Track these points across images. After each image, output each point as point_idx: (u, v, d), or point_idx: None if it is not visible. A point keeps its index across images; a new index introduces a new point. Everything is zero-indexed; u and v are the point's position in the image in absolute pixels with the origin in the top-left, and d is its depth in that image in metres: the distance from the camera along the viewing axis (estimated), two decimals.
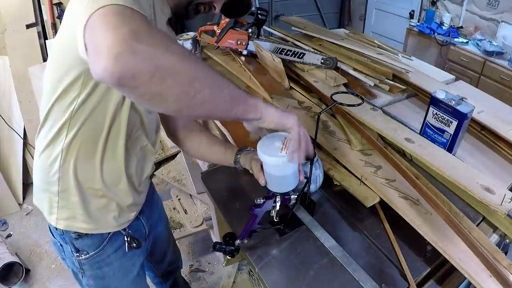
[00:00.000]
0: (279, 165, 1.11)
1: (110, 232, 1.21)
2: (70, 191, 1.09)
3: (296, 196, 1.27)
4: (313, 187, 1.47)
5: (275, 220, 1.28)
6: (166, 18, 1.05)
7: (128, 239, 1.25)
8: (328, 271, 1.21)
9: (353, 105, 1.23)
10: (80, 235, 1.17)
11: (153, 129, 1.22)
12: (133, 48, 0.59)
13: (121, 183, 1.15)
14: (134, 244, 1.26)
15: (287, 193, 1.23)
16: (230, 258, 1.26)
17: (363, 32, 5.25)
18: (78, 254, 1.19)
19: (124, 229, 1.25)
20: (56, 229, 1.17)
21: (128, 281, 1.36)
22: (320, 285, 1.17)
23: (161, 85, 0.64)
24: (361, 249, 1.29)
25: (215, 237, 2.28)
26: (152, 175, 1.40)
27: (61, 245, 1.22)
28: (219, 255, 2.62)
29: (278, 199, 1.22)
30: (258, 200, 1.21)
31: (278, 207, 1.23)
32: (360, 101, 1.24)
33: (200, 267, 2.64)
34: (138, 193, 1.26)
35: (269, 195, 1.22)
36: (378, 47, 2.73)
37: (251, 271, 2.44)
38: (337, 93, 1.34)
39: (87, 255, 1.20)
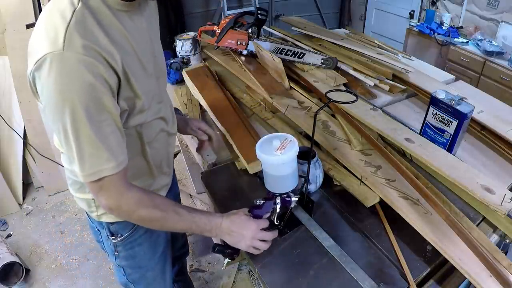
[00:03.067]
0: (275, 164, 1.12)
1: None
2: None
3: (297, 199, 1.24)
4: (313, 187, 1.47)
5: (276, 223, 1.26)
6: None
7: None
8: (327, 270, 1.21)
9: (347, 102, 1.23)
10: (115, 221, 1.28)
11: (169, 117, 1.28)
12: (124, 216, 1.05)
13: (146, 173, 1.24)
14: None
15: (288, 195, 1.21)
16: (230, 260, 1.26)
17: (363, 32, 5.24)
18: (113, 237, 1.30)
19: None
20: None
21: (155, 260, 1.44)
22: (320, 285, 1.17)
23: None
24: (361, 248, 1.29)
25: (215, 237, 2.28)
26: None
27: (98, 229, 1.33)
28: (219, 255, 2.63)
29: (278, 200, 1.20)
30: (258, 201, 1.19)
31: (278, 209, 1.21)
32: (354, 98, 1.24)
33: (200, 267, 2.64)
34: (166, 175, 1.35)
35: (269, 196, 1.21)
36: (378, 47, 2.72)
37: (251, 271, 2.43)
38: (331, 91, 1.35)
39: (122, 237, 1.30)
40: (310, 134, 1.32)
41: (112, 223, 1.27)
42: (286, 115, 1.83)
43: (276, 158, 1.10)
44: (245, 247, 1.14)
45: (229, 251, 1.21)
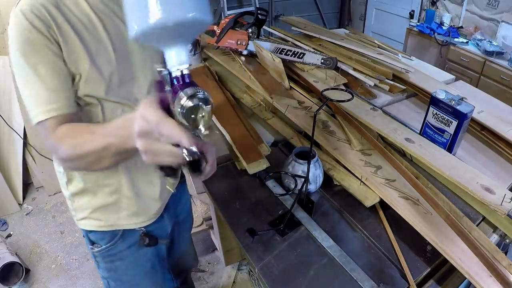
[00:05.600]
0: None
1: (121, 229, 1.26)
2: (79, 193, 1.17)
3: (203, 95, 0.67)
4: (313, 187, 1.47)
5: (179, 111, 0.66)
6: None
7: (142, 235, 1.29)
8: (327, 271, 1.21)
9: (343, 101, 1.23)
10: (92, 230, 1.24)
11: None
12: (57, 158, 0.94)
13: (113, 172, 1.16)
14: (146, 242, 1.29)
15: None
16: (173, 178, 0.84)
17: (363, 32, 5.24)
18: (92, 246, 1.27)
19: (140, 227, 1.28)
20: None
21: (140, 275, 1.39)
22: (320, 285, 1.17)
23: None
24: (361, 249, 1.29)
25: (215, 237, 2.28)
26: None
27: (83, 235, 1.29)
28: (219, 255, 2.62)
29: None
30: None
31: (185, 101, 0.66)
32: (350, 96, 1.24)
33: (200, 267, 2.64)
34: (145, 196, 1.26)
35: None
36: (378, 47, 2.72)
37: (251, 271, 2.44)
38: (327, 89, 1.35)
39: (100, 248, 1.26)
40: (310, 134, 1.33)
41: (89, 231, 1.24)
42: (286, 115, 1.83)
43: None
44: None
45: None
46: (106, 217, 1.21)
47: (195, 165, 0.71)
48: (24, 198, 3.31)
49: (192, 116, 0.66)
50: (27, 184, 3.42)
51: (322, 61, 2.19)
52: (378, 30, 5.62)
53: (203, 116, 0.66)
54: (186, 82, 0.68)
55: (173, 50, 0.67)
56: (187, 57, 0.69)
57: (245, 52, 2.38)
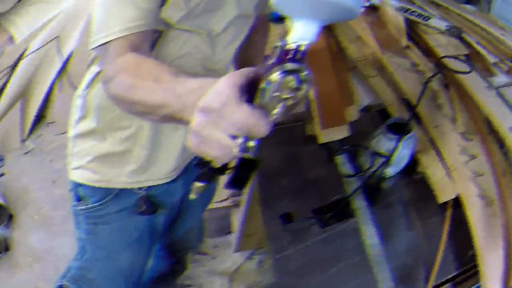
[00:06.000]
0: None
1: (118, 188, 1.07)
2: (86, 134, 1.03)
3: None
4: (392, 170, 1.33)
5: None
6: None
7: (140, 199, 1.08)
8: (352, 270, 1.14)
9: (461, 72, 1.11)
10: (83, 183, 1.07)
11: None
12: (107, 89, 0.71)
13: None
14: (143, 209, 1.09)
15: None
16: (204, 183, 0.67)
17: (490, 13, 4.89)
18: (78, 202, 1.10)
19: (140, 188, 1.07)
20: None
21: (123, 245, 1.19)
22: (333, 284, 1.11)
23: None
24: (405, 249, 1.22)
25: (239, 216, 1.82)
26: None
27: (71, 189, 1.12)
28: (231, 238, 2.13)
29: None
30: None
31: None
32: (469, 68, 1.11)
33: (203, 250, 2.24)
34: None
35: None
36: (503, 28, 2.55)
37: (264, 260, 2.06)
38: (448, 56, 1.21)
39: (86, 206, 1.08)
40: (415, 102, 1.22)
41: (80, 184, 1.06)
42: (393, 75, 1.73)
43: None
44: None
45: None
46: (105, 170, 1.03)
47: (241, 172, 0.56)
48: (30, 134, 2.97)
49: (275, 95, 0.50)
50: (39, 117, 3.02)
51: (448, 27, 2.07)
52: (504, 15, 5.22)
53: (287, 99, 0.50)
54: (294, 57, 0.52)
55: (304, 23, 0.53)
56: (315, 35, 0.54)
57: (367, 4, 2.28)
